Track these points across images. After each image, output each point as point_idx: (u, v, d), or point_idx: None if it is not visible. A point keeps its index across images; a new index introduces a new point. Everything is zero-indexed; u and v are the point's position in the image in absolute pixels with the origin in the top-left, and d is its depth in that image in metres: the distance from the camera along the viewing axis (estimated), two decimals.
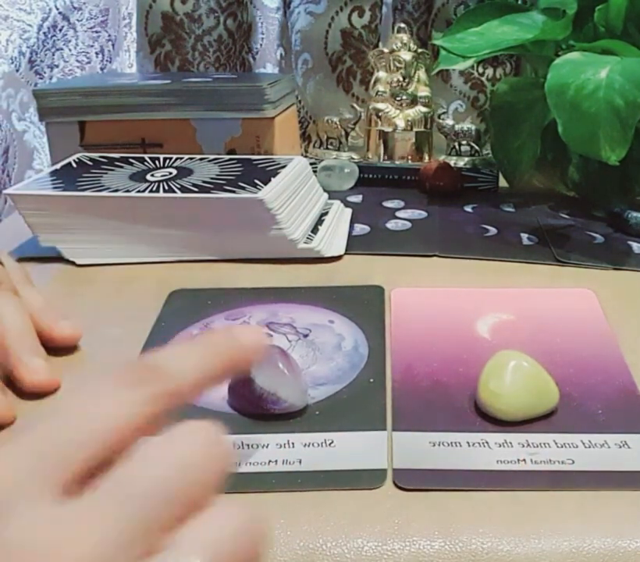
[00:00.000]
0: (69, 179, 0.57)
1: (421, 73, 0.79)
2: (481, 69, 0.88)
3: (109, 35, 0.88)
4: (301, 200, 0.58)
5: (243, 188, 0.54)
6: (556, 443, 0.34)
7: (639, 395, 0.38)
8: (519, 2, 0.72)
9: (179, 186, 0.55)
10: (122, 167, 0.60)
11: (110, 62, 0.89)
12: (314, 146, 0.83)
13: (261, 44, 0.89)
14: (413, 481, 0.32)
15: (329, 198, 0.64)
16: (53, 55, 0.83)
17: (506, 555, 0.29)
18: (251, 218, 0.53)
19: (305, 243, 0.55)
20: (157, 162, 0.61)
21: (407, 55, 0.78)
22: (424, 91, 0.79)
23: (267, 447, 0.34)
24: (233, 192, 0.54)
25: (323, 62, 0.89)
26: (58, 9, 0.82)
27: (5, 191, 0.56)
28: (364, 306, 0.48)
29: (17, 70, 0.78)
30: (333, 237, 0.58)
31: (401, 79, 0.78)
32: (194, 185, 0.55)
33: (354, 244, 0.58)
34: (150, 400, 0.24)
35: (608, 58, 0.55)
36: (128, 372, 0.24)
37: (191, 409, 0.36)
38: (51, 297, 0.46)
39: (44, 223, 0.55)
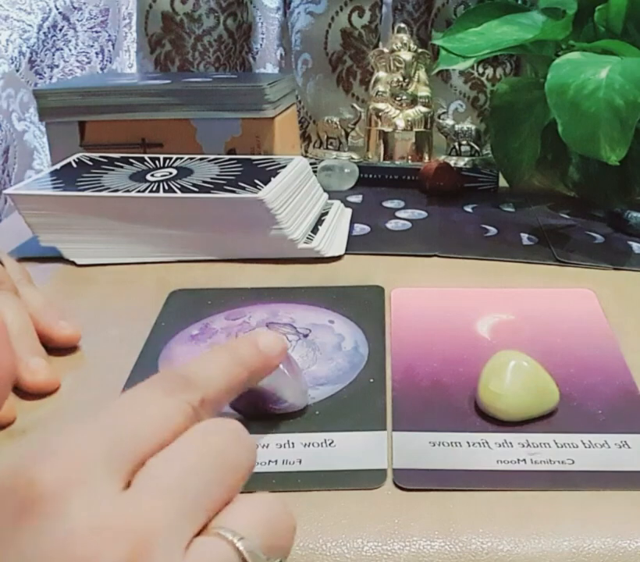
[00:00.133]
0: (69, 179, 0.57)
1: (421, 73, 0.79)
2: (481, 69, 0.88)
3: (109, 35, 0.88)
4: (301, 200, 0.58)
5: (243, 188, 0.54)
6: (556, 443, 0.34)
7: (639, 395, 0.38)
8: (519, 2, 0.72)
9: (179, 186, 0.55)
10: (122, 167, 0.60)
11: (110, 62, 0.89)
12: (314, 146, 0.83)
13: (261, 44, 0.89)
14: (413, 481, 0.32)
15: (329, 198, 0.64)
16: (53, 55, 0.83)
17: (506, 555, 0.29)
18: (251, 218, 0.53)
19: (305, 243, 0.55)
20: (157, 162, 0.61)
21: (407, 55, 0.78)
22: (424, 91, 0.79)
23: (267, 447, 0.34)
24: (233, 192, 0.54)
25: (323, 62, 0.89)
26: (58, 9, 0.82)
27: (5, 191, 0.56)
28: (364, 306, 0.48)
29: (17, 70, 0.78)
30: (333, 237, 0.58)
31: (401, 79, 0.78)
32: (194, 185, 0.55)
33: (354, 244, 0.58)
34: (187, 406, 0.26)
35: (608, 58, 0.55)
36: (166, 381, 0.27)
37: None
38: (51, 297, 0.46)
39: (44, 223, 0.55)
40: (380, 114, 0.79)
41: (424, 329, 0.45)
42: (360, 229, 0.62)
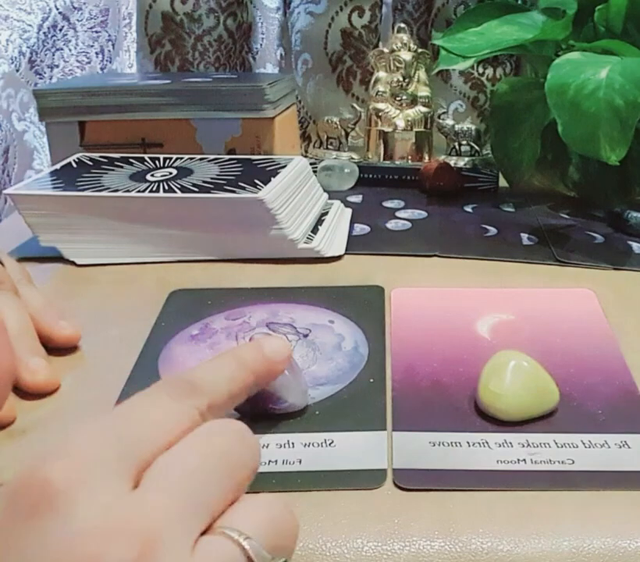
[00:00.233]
0: (69, 179, 0.57)
1: (421, 73, 0.79)
2: (481, 69, 0.88)
3: (109, 35, 0.88)
4: (301, 200, 0.58)
5: (243, 188, 0.54)
6: (556, 443, 0.34)
7: (639, 395, 0.38)
8: (519, 2, 0.72)
9: (179, 186, 0.55)
10: (122, 167, 0.60)
11: (110, 62, 0.89)
12: (314, 146, 0.83)
13: (261, 44, 0.89)
14: (413, 481, 0.32)
15: (329, 198, 0.64)
16: (53, 55, 0.83)
17: (506, 555, 0.29)
18: (251, 218, 0.53)
19: (305, 243, 0.55)
20: (157, 162, 0.61)
21: (407, 55, 0.78)
22: (424, 91, 0.79)
23: (267, 447, 0.34)
24: (233, 192, 0.54)
25: (323, 62, 0.89)
26: (58, 9, 0.82)
27: (5, 191, 0.56)
28: (365, 306, 0.48)
29: (17, 70, 0.78)
30: (333, 237, 0.58)
31: (401, 79, 0.78)
32: (194, 185, 0.55)
33: (354, 244, 0.58)
34: (194, 411, 0.27)
35: (608, 58, 0.55)
36: (173, 386, 0.27)
37: None
38: (51, 297, 0.46)
39: (44, 223, 0.55)
40: (380, 114, 0.79)
41: (424, 328, 0.45)
42: (360, 229, 0.62)
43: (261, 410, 0.36)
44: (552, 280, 0.53)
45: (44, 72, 0.82)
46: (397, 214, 0.66)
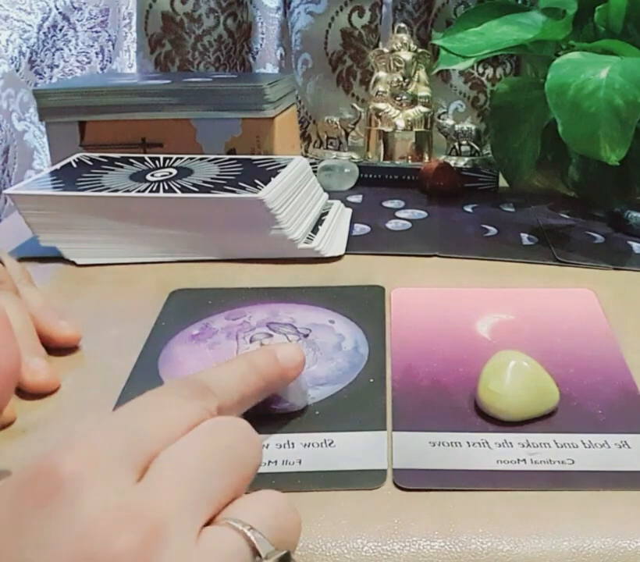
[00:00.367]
0: (69, 179, 0.57)
1: (421, 73, 0.79)
2: (481, 69, 0.88)
3: (109, 35, 0.88)
4: (301, 200, 0.58)
5: (243, 188, 0.54)
6: (556, 443, 0.34)
7: (639, 395, 0.38)
8: (519, 2, 0.72)
9: (179, 186, 0.55)
10: (122, 167, 0.60)
11: (110, 62, 0.89)
12: (314, 146, 0.83)
13: (261, 44, 0.89)
14: (413, 481, 0.32)
15: (329, 198, 0.64)
16: (53, 55, 0.83)
17: (506, 555, 0.29)
18: (251, 218, 0.53)
19: (305, 243, 0.55)
20: (157, 162, 0.61)
21: (407, 55, 0.78)
22: (424, 91, 0.79)
23: (267, 447, 0.34)
24: (233, 192, 0.54)
25: (323, 62, 0.89)
26: (58, 9, 0.82)
27: (5, 191, 0.56)
28: (365, 306, 0.48)
29: (17, 70, 0.78)
30: (333, 237, 0.58)
31: (401, 79, 0.78)
32: (194, 185, 0.55)
33: (354, 244, 0.58)
34: (204, 412, 0.27)
35: (608, 58, 0.55)
36: (185, 386, 0.28)
37: None
38: (51, 296, 0.46)
39: (44, 223, 0.55)
40: (380, 114, 0.79)
41: (424, 328, 0.45)
42: (360, 229, 0.62)
43: (261, 410, 0.36)
44: (552, 280, 0.53)
45: (44, 72, 0.82)
46: (397, 214, 0.66)
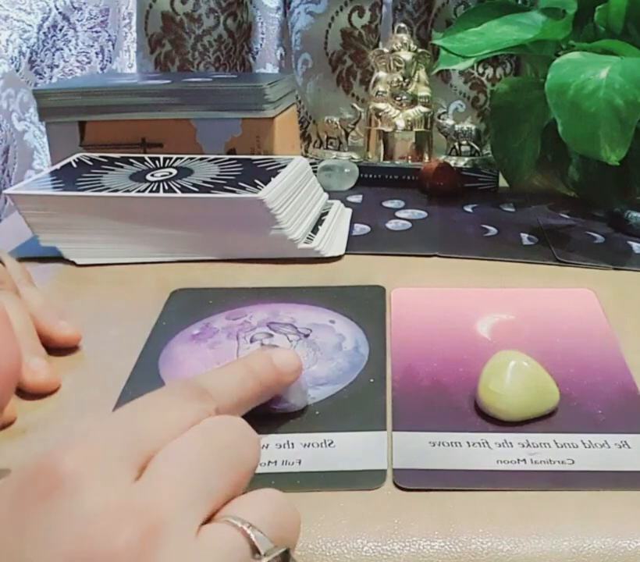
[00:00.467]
0: (69, 179, 0.57)
1: (421, 73, 0.79)
2: (481, 69, 0.88)
3: (109, 35, 0.88)
4: (301, 200, 0.58)
5: (243, 188, 0.54)
6: (556, 443, 0.34)
7: (639, 395, 0.38)
8: (519, 2, 0.72)
9: (179, 186, 0.55)
10: (122, 167, 0.60)
11: (110, 62, 0.89)
12: (314, 146, 0.83)
13: (261, 44, 0.89)
14: (413, 481, 0.32)
15: (329, 198, 0.64)
16: (53, 55, 0.83)
17: (506, 555, 0.29)
18: (251, 218, 0.53)
19: (305, 243, 0.55)
20: (157, 162, 0.61)
21: (407, 55, 0.78)
22: (424, 91, 0.79)
23: (266, 448, 0.34)
24: (233, 192, 0.54)
25: (323, 62, 0.89)
26: (58, 9, 0.82)
27: (5, 191, 0.56)
28: (365, 306, 0.48)
29: (17, 70, 0.78)
30: (333, 237, 0.58)
31: (401, 79, 0.78)
32: (194, 185, 0.55)
33: (354, 244, 0.58)
34: (203, 413, 0.27)
35: (608, 58, 0.55)
36: (184, 389, 0.28)
37: None
38: (51, 296, 0.46)
39: (44, 223, 0.55)
40: (380, 114, 0.79)
41: (424, 328, 0.45)
42: (360, 229, 0.62)
43: (261, 410, 0.36)
44: (552, 280, 0.53)
45: (44, 72, 0.82)
46: (397, 214, 0.66)
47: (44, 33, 0.81)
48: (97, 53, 0.87)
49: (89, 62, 0.86)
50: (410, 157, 0.79)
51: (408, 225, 0.63)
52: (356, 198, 0.70)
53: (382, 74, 0.79)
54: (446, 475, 0.33)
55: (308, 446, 0.35)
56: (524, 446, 0.34)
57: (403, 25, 0.79)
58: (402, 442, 0.35)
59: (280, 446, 0.34)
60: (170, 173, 0.58)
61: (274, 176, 0.56)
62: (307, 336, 0.44)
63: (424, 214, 0.66)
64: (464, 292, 0.50)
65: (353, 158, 0.79)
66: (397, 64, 0.78)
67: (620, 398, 0.38)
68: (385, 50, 0.79)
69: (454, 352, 0.43)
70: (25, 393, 0.39)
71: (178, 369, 0.41)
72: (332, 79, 0.90)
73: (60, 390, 0.40)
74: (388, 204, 0.69)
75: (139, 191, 0.54)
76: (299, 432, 0.35)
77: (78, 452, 0.23)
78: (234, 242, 0.55)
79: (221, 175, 0.57)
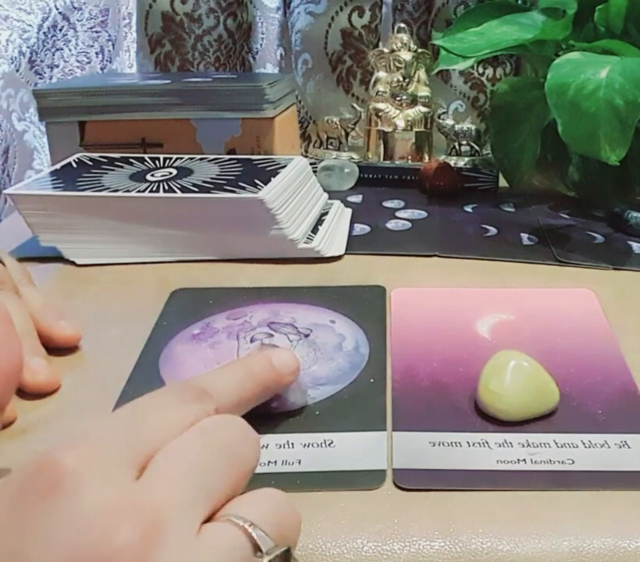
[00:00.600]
0: (69, 179, 0.57)
1: (421, 73, 0.79)
2: (481, 69, 0.88)
3: (109, 35, 0.88)
4: (301, 200, 0.58)
5: (243, 188, 0.54)
6: (556, 443, 0.34)
7: (639, 395, 0.38)
8: (519, 2, 0.72)
9: (179, 186, 0.55)
10: (122, 167, 0.60)
11: (110, 62, 0.89)
12: (314, 146, 0.83)
13: (261, 44, 0.89)
14: (413, 481, 0.32)
15: (329, 198, 0.64)
16: (53, 55, 0.83)
17: (506, 555, 0.29)
18: (251, 218, 0.53)
19: (305, 243, 0.55)
20: (157, 162, 0.61)
21: (407, 55, 0.78)
22: (424, 91, 0.79)
23: (266, 448, 0.34)
24: (233, 192, 0.54)
25: (323, 62, 0.89)
26: (58, 9, 0.82)
27: (5, 191, 0.56)
28: (365, 306, 0.48)
29: (17, 70, 0.78)
30: (333, 237, 0.58)
31: (401, 79, 0.78)
32: (194, 185, 0.55)
33: (354, 244, 0.58)
34: (203, 413, 0.27)
35: (608, 58, 0.55)
36: (183, 390, 0.28)
37: None
38: (51, 296, 0.46)
39: (44, 223, 0.55)
40: (380, 114, 0.79)
41: (424, 328, 0.45)
42: (360, 229, 0.62)
43: (260, 410, 0.36)
44: (552, 280, 0.53)
45: (44, 72, 0.82)
46: (397, 214, 0.66)
47: (44, 33, 0.81)
48: (97, 53, 0.87)
49: (89, 62, 0.86)
50: (410, 157, 0.79)
51: (408, 225, 0.63)
52: (356, 198, 0.70)
53: (382, 74, 0.79)
54: (446, 475, 0.33)
55: (308, 446, 0.35)
56: (524, 446, 0.34)
57: (403, 25, 0.79)
58: (402, 442, 0.35)
59: (280, 446, 0.34)
60: (170, 173, 0.58)
61: (274, 176, 0.56)
62: (307, 335, 0.44)
63: (424, 214, 0.66)
64: (464, 292, 0.50)
65: (353, 158, 0.79)
66: (397, 64, 0.78)
67: (620, 398, 0.38)
68: (385, 50, 0.79)
69: (454, 352, 0.43)
70: (25, 393, 0.39)
71: (178, 369, 0.41)
72: (332, 79, 0.90)
73: (60, 390, 0.40)
74: (388, 204, 0.69)
75: (139, 191, 0.54)
76: (299, 432, 0.35)
77: (78, 452, 0.23)
78: (234, 242, 0.55)
79: (221, 175, 0.57)
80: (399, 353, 0.43)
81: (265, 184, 0.54)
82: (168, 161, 0.62)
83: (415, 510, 0.31)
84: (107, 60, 0.88)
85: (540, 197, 0.71)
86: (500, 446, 0.34)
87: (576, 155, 0.67)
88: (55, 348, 0.43)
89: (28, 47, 0.79)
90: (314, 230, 0.58)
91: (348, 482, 0.32)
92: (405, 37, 0.78)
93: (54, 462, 0.23)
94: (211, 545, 0.23)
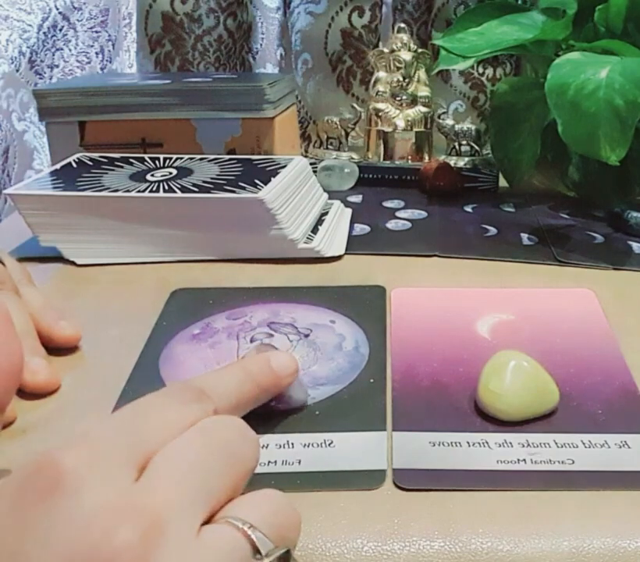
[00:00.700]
0: (69, 179, 0.57)
1: (421, 73, 0.79)
2: (481, 69, 0.88)
3: (109, 35, 0.88)
4: (301, 200, 0.58)
5: (243, 188, 0.54)
6: (556, 443, 0.34)
7: (639, 395, 0.38)
8: (519, 2, 0.72)
9: (179, 186, 0.55)
10: (122, 167, 0.60)
11: (110, 62, 0.89)
12: (314, 146, 0.83)
13: (261, 44, 0.89)
14: (413, 481, 0.32)
15: (329, 198, 0.64)
16: (53, 55, 0.83)
17: (506, 555, 0.29)
18: (251, 218, 0.53)
19: (305, 243, 0.55)
20: (157, 162, 0.61)
21: (407, 55, 0.78)
22: (424, 91, 0.79)
23: (266, 448, 0.34)
24: (233, 192, 0.54)
25: (323, 62, 0.89)
26: (58, 9, 0.82)
27: (5, 191, 0.56)
28: (365, 306, 0.48)
29: (17, 70, 0.78)
30: (333, 237, 0.58)
31: (401, 79, 0.78)
32: (194, 185, 0.55)
33: (354, 244, 0.58)
34: (202, 414, 0.27)
35: (608, 58, 0.55)
36: (183, 391, 0.28)
37: None
38: (51, 296, 0.46)
39: (44, 223, 0.55)
40: (380, 114, 0.79)
41: (424, 328, 0.45)
42: (360, 229, 0.62)
43: (260, 409, 0.36)
44: (552, 280, 0.53)
45: (44, 72, 0.82)
46: (397, 214, 0.66)
47: (44, 33, 0.81)
48: (97, 53, 0.87)
49: (89, 62, 0.86)
50: (410, 157, 0.79)
51: (408, 225, 0.63)
52: (356, 198, 0.70)
53: (382, 74, 0.79)
54: (446, 475, 0.33)
55: (308, 446, 0.35)
56: (524, 446, 0.34)
57: (403, 25, 0.79)
58: (402, 442, 0.35)
59: (280, 446, 0.34)
60: (170, 173, 0.58)
61: (274, 176, 0.56)
62: (307, 336, 0.44)
63: (424, 214, 0.66)
64: (464, 292, 0.50)
65: (353, 158, 0.79)
66: (397, 64, 0.78)
67: (620, 398, 0.38)
68: (385, 50, 0.79)
69: (454, 352, 0.43)
70: (25, 393, 0.39)
71: (178, 369, 0.41)
72: (332, 79, 0.90)
73: (60, 390, 0.40)
74: (388, 204, 0.69)
75: (139, 191, 0.54)
76: (299, 432, 0.35)
77: (78, 452, 0.23)
78: (234, 242, 0.55)
79: (221, 175, 0.57)
80: (399, 353, 0.43)
81: (265, 184, 0.54)
82: (168, 161, 0.62)
83: (415, 510, 0.31)
84: (107, 60, 0.88)
85: (540, 197, 0.71)
86: (500, 446, 0.34)
87: (576, 155, 0.67)
88: (55, 348, 0.43)
89: (28, 47, 0.79)
90: (314, 230, 0.58)
91: (348, 482, 0.32)
92: (405, 37, 0.78)
93: (54, 462, 0.23)
94: (210, 546, 0.23)
